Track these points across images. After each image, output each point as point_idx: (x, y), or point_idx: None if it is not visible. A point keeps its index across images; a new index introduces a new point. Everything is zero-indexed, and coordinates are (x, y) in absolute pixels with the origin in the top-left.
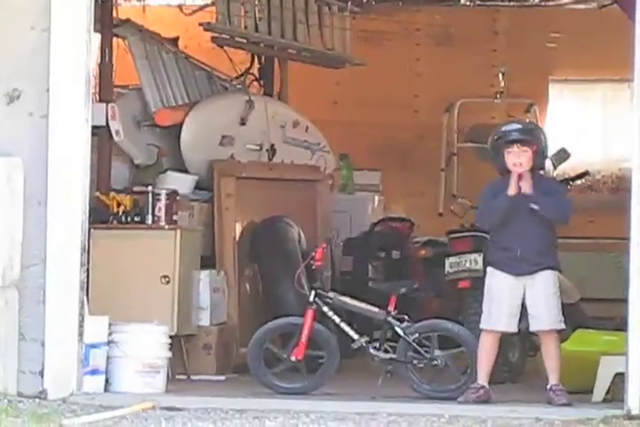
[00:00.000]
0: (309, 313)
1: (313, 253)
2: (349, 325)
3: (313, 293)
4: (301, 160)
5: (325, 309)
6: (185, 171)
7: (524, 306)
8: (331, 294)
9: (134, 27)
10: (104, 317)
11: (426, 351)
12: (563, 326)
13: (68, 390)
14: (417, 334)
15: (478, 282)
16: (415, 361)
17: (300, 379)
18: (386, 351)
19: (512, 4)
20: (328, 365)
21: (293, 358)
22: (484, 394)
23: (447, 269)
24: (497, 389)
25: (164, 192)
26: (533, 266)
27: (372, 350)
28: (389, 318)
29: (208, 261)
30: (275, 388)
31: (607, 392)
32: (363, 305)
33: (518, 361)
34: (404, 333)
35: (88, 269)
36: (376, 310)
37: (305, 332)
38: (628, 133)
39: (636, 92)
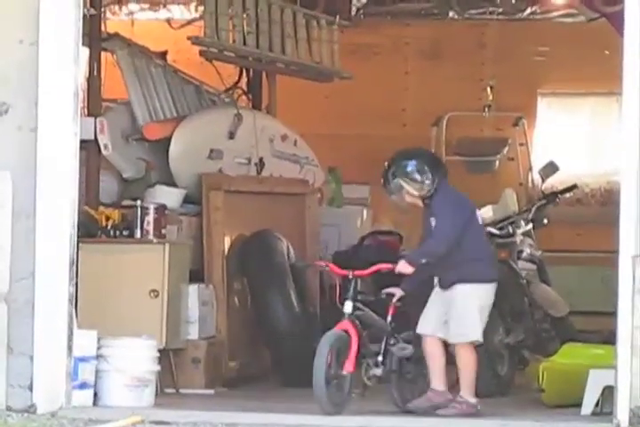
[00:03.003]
0: (351, 326)
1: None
2: None
3: (351, 304)
4: (290, 174)
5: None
6: (173, 184)
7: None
8: (364, 307)
9: (123, 41)
10: (93, 331)
11: (415, 365)
12: (464, 339)
13: (56, 404)
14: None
15: None
16: (408, 375)
17: None
18: (377, 366)
19: (500, 17)
20: None
21: (345, 372)
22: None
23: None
24: (486, 402)
25: (152, 206)
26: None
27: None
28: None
29: (197, 275)
30: None
31: (596, 405)
32: (379, 319)
33: (507, 374)
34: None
35: (77, 283)
36: (384, 323)
37: (354, 345)
38: (616, 147)
39: (625, 105)
